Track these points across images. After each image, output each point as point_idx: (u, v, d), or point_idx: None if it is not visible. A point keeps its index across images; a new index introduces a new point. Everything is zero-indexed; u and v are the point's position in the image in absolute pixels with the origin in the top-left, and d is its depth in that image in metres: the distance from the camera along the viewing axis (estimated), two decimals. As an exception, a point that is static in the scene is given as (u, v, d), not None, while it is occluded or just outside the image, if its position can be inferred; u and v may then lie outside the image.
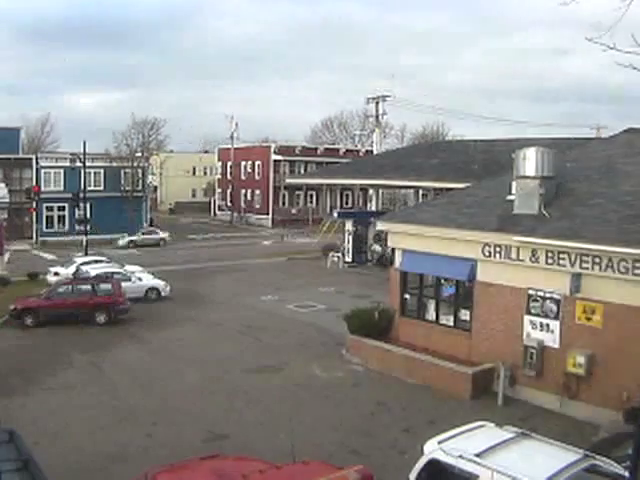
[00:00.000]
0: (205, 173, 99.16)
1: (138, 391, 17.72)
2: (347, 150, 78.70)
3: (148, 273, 32.49)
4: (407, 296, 20.31)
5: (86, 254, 38.81)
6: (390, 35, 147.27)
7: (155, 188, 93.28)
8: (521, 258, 16.76)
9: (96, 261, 34.39)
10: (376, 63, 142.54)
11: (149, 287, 30.27)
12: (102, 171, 58.98)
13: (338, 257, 41.84)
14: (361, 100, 65.93)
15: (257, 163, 76.42)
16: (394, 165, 37.59)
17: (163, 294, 30.23)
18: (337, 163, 58.81)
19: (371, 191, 46.42)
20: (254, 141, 77.84)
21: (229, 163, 79.08)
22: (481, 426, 10.59)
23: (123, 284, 27.49)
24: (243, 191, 78.46)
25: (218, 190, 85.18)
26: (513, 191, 17.86)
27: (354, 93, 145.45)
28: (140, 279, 30.56)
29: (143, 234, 54.54)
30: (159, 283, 30.70)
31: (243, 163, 78.22)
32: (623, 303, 14.84)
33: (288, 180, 58.88)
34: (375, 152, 49.37)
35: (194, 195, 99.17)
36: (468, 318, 18.42)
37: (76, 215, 53.92)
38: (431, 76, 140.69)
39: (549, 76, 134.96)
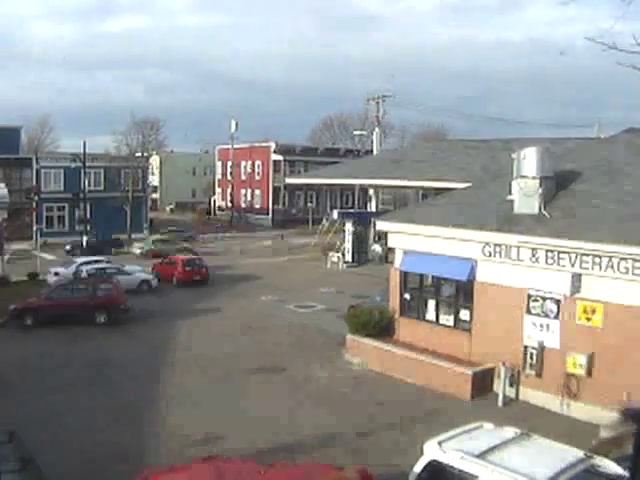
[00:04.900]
0: (205, 173, 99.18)
1: (138, 390, 17.72)
2: (347, 150, 78.67)
3: (142, 270, 34.74)
4: (407, 296, 20.31)
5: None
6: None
7: (155, 188, 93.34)
8: (521, 258, 16.75)
9: (96, 261, 34.63)
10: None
11: (142, 280, 32.88)
12: (102, 171, 58.97)
13: (338, 257, 41.85)
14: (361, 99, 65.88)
15: (257, 163, 76.45)
16: (394, 165, 37.54)
17: (153, 285, 33.28)
18: (337, 163, 58.79)
19: (371, 191, 46.35)
20: (254, 141, 77.81)
21: (229, 163, 79.10)
22: (481, 426, 10.59)
23: (119, 277, 30.58)
24: (243, 191, 78.49)
25: (218, 190, 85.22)
26: (513, 191, 17.85)
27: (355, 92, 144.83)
28: (134, 273, 33.28)
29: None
30: (149, 277, 33.80)
31: (243, 163, 78.24)
32: (623, 303, 14.85)
33: (288, 180, 58.81)
34: (375, 152, 49.32)
35: (194, 195, 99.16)
36: (468, 318, 18.41)
37: (76, 215, 53.95)
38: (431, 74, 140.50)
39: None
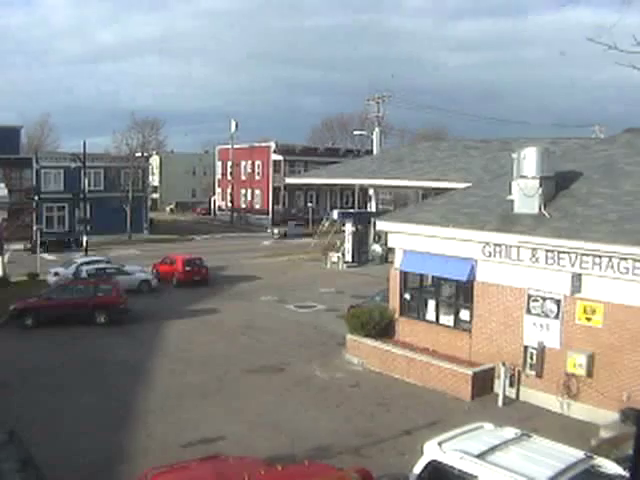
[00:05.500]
0: (205, 173, 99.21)
1: (138, 390, 17.71)
2: (347, 150, 78.65)
3: (142, 270, 34.86)
4: (407, 296, 20.30)
5: (86, 254, 38.93)
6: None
7: (155, 188, 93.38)
8: (521, 258, 16.75)
9: (96, 261, 34.66)
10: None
11: (142, 280, 33.09)
12: (102, 171, 58.96)
13: (338, 257, 41.85)
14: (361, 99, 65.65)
15: (257, 163, 76.41)
16: (394, 165, 37.53)
17: (153, 285, 33.49)
18: (337, 163, 58.78)
19: (371, 191, 46.33)
20: (254, 141, 77.78)
21: (229, 163, 79.09)
22: (481, 427, 10.57)
23: (120, 277, 30.75)
24: (243, 191, 78.48)
25: (218, 190, 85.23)
26: (513, 191, 17.85)
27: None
28: (134, 273, 33.43)
29: None
30: (149, 277, 34.13)
31: (243, 163, 78.22)
32: (623, 303, 14.84)
33: (288, 180, 58.81)
34: (375, 152, 49.29)
35: (194, 195, 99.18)
36: (468, 318, 18.41)
37: (76, 215, 53.93)
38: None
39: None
